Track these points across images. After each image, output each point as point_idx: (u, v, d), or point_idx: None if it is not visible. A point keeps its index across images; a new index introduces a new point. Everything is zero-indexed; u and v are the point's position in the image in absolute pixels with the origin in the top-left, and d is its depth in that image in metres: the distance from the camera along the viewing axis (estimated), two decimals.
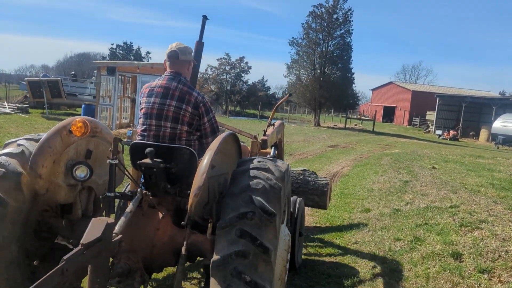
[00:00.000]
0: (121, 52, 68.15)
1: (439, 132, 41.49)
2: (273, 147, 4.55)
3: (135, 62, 15.77)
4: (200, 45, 3.84)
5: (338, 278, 4.19)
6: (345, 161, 15.11)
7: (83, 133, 2.91)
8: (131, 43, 69.75)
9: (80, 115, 18.73)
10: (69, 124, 2.92)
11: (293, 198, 4.29)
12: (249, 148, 4.11)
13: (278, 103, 5.14)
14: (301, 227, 4.29)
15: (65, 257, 2.03)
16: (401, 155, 15.41)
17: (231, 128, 5.08)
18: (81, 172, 2.93)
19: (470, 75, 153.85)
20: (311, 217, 6.57)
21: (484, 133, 39.93)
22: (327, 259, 4.78)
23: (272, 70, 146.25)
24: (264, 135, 4.35)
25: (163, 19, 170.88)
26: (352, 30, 39.22)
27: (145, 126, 3.06)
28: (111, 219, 2.37)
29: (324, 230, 5.98)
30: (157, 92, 3.06)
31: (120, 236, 2.41)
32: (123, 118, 18.35)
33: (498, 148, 31.71)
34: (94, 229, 2.23)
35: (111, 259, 2.56)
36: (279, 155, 5.22)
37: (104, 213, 2.88)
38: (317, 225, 6.26)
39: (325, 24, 38.38)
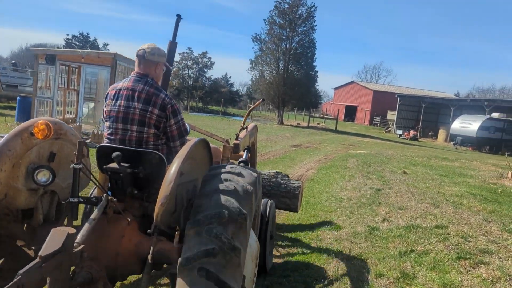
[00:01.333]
0: (77, 43, 64.76)
1: (399, 132, 41.85)
2: (245, 151, 4.46)
3: (79, 50, 13.93)
4: (173, 45, 3.76)
5: None
6: (309, 162, 14.16)
7: (45, 136, 2.80)
8: (87, 34, 66.46)
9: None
10: (31, 126, 2.80)
11: (264, 200, 4.24)
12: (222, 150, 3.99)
13: (251, 107, 5.04)
14: (272, 230, 4.24)
15: (21, 272, 1.98)
16: (367, 156, 14.65)
17: (203, 131, 4.82)
18: (42, 176, 2.81)
19: (427, 77, 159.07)
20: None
21: (442, 133, 40.62)
22: None
23: (235, 67, 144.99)
24: (237, 139, 4.20)
25: (126, 12, 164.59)
26: (316, 26, 38.67)
27: (111, 130, 3.00)
28: (72, 229, 2.27)
29: (287, 256, 4.83)
30: (123, 95, 2.98)
31: (82, 246, 2.32)
32: (68, 112, 16.48)
33: (456, 148, 32.09)
34: (53, 240, 2.15)
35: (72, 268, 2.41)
36: (252, 159, 5.05)
37: (67, 219, 2.81)
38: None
39: (289, 20, 37.55)
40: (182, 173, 2.51)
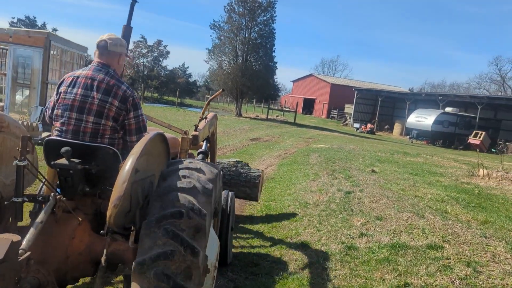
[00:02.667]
0: (23, 27, 60.02)
1: (357, 125, 41.98)
2: (205, 141, 4.38)
3: (5, 28, 11.76)
4: (128, 29, 3.60)
5: None
6: (269, 158, 13.12)
7: None
8: (34, 17, 61.62)
9: None
10: None
11: (224, 192, 4.16)
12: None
13: (211, 97, 4.89)
14: (232, 222, 4.22)
15: None
16: (329, 151, 13.80)
17: (160, 122, 4.56)
18: None
19: (382, 71, 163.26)
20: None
21: (398, 127, 41.13)
22: None
23: (193, 58, 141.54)
24: (196, 130, 3.98)
25: None
26: (275, 17, 37.63)
27: (63, 119, 2.74)
28: (16, 237, 2.05)
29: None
30: (80, 83, 2.77)
31: (28, 253, 2.12)
32: None
33: (412, 142, 32.40)
34: None
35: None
36: (212, 149, 4.92)
37: (10, 219, 2.60)
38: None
39: (248, 8, 36.22)
40: (137, 170, 2.34)
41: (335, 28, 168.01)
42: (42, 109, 10.65)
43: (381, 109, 44.31)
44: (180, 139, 3.75)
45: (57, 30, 63.46)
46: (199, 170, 2.48)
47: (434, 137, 33.18)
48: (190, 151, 4.07)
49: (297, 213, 6.21)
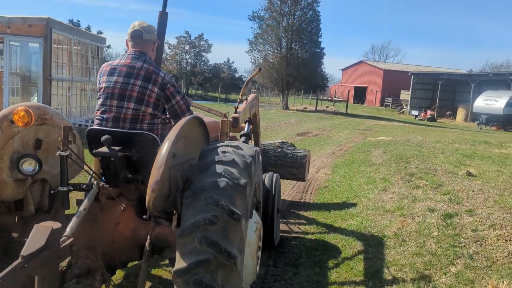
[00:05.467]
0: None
1: (415, 112, 38.52)
2: (247, 123, 4.24)
3: None
4: (163, 15, 3.50)
5: None
6: (320, 157, 10.76)
7: (26, 123, 2.62)
8: (78, 21, 62.65)
9: None
10: (10, 113, 2.63)
11: (269, 174, 4.26)
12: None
13: (249, 78, 4.91)
14: (278, 203, 4.21)
15: (0, 275, 1.87)
16: (395, 145, 11.14)
17: (200, 107, 4.50)
18: (28, 165, 2.64)
19: (436, 55, 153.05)
20: None
21: (462, 112, 37.01)
22: None
23: (238, 53, 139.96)
24: (236, 112, 3.88)
25: (126, 2, 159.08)
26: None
27: (104, 107, 2.84)
28: (57, 224, 2.13)
29: None
30: (120, 71, 2.86)
31: (70, 239, 2.20)
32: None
33: (481, 128, 28.68)
34: (36, 237, 2.03)
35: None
36: (255, 131, 4.79)
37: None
38: None
39: None
40: (175, 155, 2.35)
41: (384, 13, 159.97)
42: None
43: (441, 93, 40.13)
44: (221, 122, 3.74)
45: (102, 32, 64.08)
46: (237, 147, 2.51)
47: (507, 121, 29.13)
48: (232, 134, 4.07)
49: (370, 256, 3.86)
